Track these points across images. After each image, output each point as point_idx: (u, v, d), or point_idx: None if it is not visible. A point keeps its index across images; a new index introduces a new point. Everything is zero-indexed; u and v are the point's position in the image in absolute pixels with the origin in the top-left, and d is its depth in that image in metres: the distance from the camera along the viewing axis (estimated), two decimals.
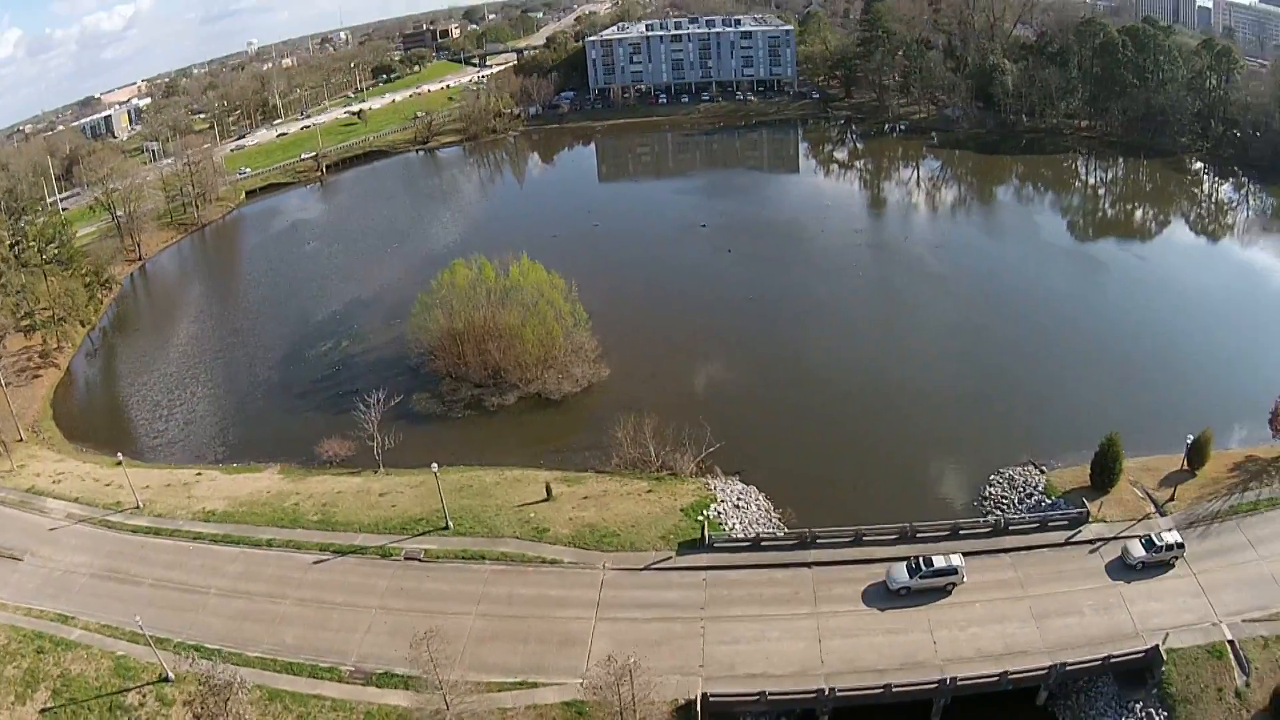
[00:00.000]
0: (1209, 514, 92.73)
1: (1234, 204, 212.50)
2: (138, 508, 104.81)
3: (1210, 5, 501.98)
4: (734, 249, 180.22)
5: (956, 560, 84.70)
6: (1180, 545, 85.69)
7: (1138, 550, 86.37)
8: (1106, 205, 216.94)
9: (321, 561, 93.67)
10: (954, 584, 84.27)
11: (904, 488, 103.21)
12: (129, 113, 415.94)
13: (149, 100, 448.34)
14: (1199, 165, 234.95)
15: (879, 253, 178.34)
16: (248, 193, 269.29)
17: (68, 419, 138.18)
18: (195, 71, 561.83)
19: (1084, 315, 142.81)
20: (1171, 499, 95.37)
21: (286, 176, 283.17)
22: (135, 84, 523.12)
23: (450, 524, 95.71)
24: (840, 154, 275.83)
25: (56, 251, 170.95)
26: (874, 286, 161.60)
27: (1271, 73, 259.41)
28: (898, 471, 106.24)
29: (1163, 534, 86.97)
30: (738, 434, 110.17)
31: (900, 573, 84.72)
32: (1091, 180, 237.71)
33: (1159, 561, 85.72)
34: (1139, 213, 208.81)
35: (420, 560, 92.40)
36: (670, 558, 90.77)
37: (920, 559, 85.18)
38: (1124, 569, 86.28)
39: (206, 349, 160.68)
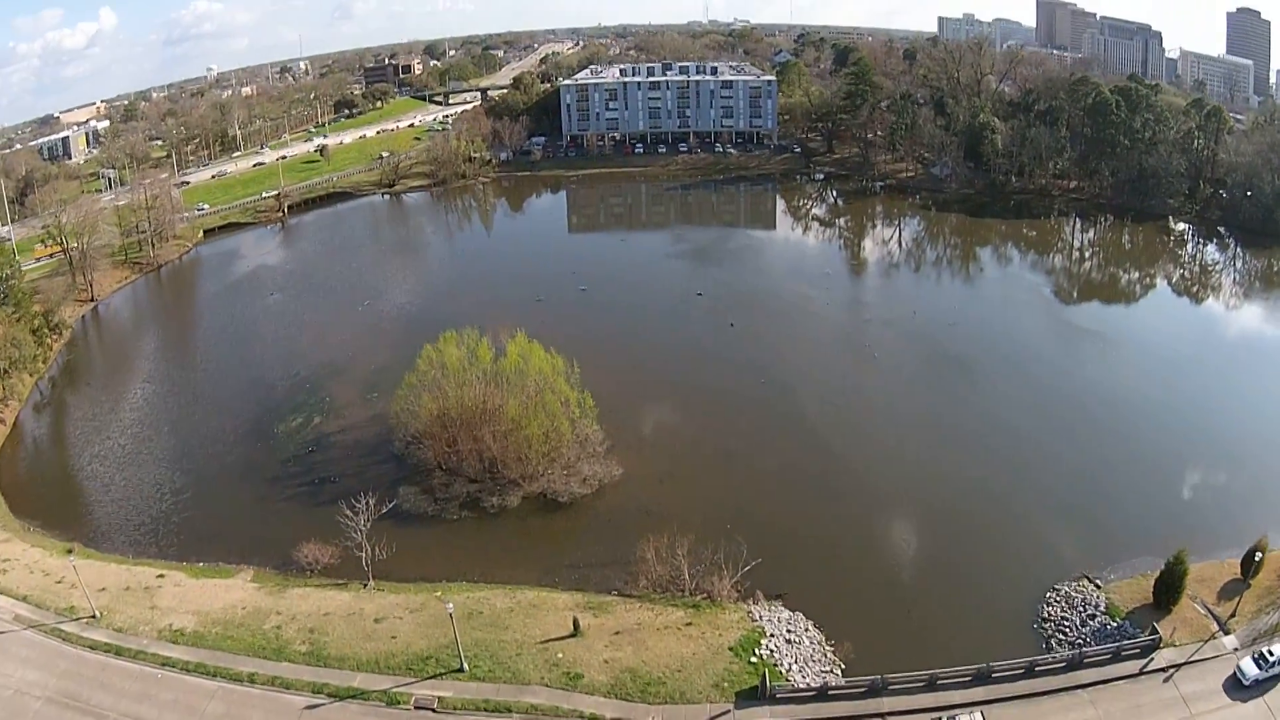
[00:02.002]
0: (1271, 628, 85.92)
1: (1249, 274, 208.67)
2: (95, 617, 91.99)
3: (1176, 58, 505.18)
4: (736, 322, 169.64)
5: None
6: None
7: (1251, 669, 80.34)
8: (1114, 275, 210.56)
9: (316, 706, 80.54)
10: None
11: (958, 609, 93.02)
12: (87, 135, 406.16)
13: (107, 123, 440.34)
14: (1190, 229, 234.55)
15: (890, 330, 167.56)
16: (206, 231, 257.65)
17: (14, 488, 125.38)
18: (155, 95, 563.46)
19: (1110, 406, 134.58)
20: (1233, 615, 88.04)
21: (246, 216, 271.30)
22: (95, 104, 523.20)
23: (465, 665, 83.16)
24: (829, 215, 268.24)
25: (3, 294, 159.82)
26: (892, 372, 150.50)
27: (1253, 130, 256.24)
28: (948, 589, 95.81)
29: (1274, 648, 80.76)
30: (772, 546, 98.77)
31: None
32: (1091, 247, 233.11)
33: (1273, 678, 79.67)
34: (1150, 284, 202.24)
35: (434, 711, 79.69)
36: (729, 712, 79.02)
37: None
38: (1237, 688, 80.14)
39: (163, 416, 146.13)
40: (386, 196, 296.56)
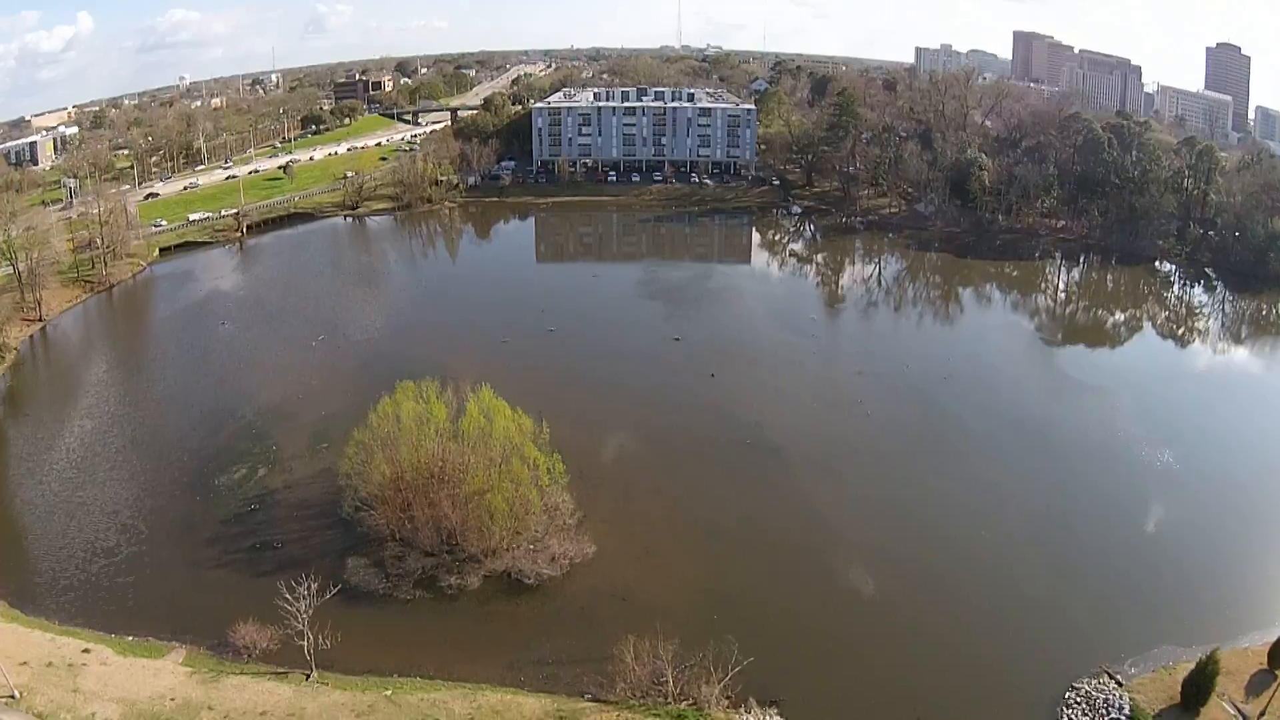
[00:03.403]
0: None
1: (1257, 321, 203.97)
2: (14, 697, 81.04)
3: (1155, 93, 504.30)
4: (717, 373, 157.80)
5: None
6: None
7: None
8: (1113, 324, 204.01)
9: None
10: None
11: (973, 714, 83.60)
12: (55, 140, 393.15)
13: (76, 129, 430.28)
14: (1179, 271, 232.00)
15: (882, 385, 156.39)
16: (162, 250, 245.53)
17: None
18: (126, 102, 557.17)
19: (1116, 473, 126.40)
20: (1263, 714, 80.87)
21: (204, 235, 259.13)
22: (66, 109, 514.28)
23: None
24: (811, 254, 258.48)
25: None
26: (887, 432, 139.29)
27: (1241, 169, 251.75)
28: (961, 690, 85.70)
29: None
30: (765, 641, 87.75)
31: None
32: (1085, 292, 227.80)
33: None
34: (1149, 334, 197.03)
35: None
36: None
37: None
38: None
39: (100, 459, 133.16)
40: (349, 219, 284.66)
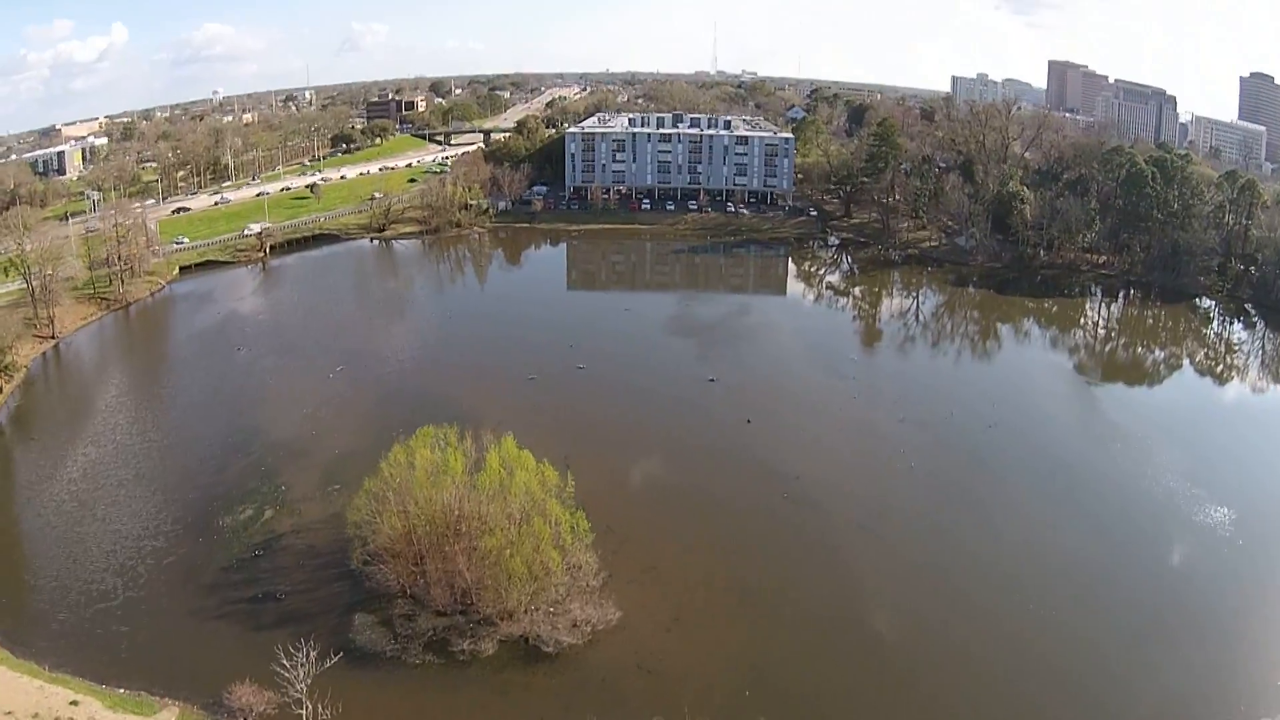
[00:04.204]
0: None
1: None
2: None
3: (1189, 123, 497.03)
4: (754, 419, 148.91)
5: None
6: None
7: None
8: (1160, 365, 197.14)
9: None
10: None
11: None
12: (83, 151, 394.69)
13: (106, 140, 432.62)
14: (1218, 309, 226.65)
15: (925, 434, 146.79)
16: (182, 268, 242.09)
17: None
18: (158, 115, 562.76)
19: (1171, 538, 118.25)
20: None
21: (226, 254, 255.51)
22: (97, 120, 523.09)
23: None
24: (849, 288, 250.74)
25: None
26: (932, 488, 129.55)
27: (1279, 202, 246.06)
28: None
29: None
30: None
31: None
32: (1130, 331, 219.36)
33: None
34: (1204, 380, 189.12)
35: None
36: None
37: None
38: None
39: (102, 494, 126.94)
40: (375, 242, 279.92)
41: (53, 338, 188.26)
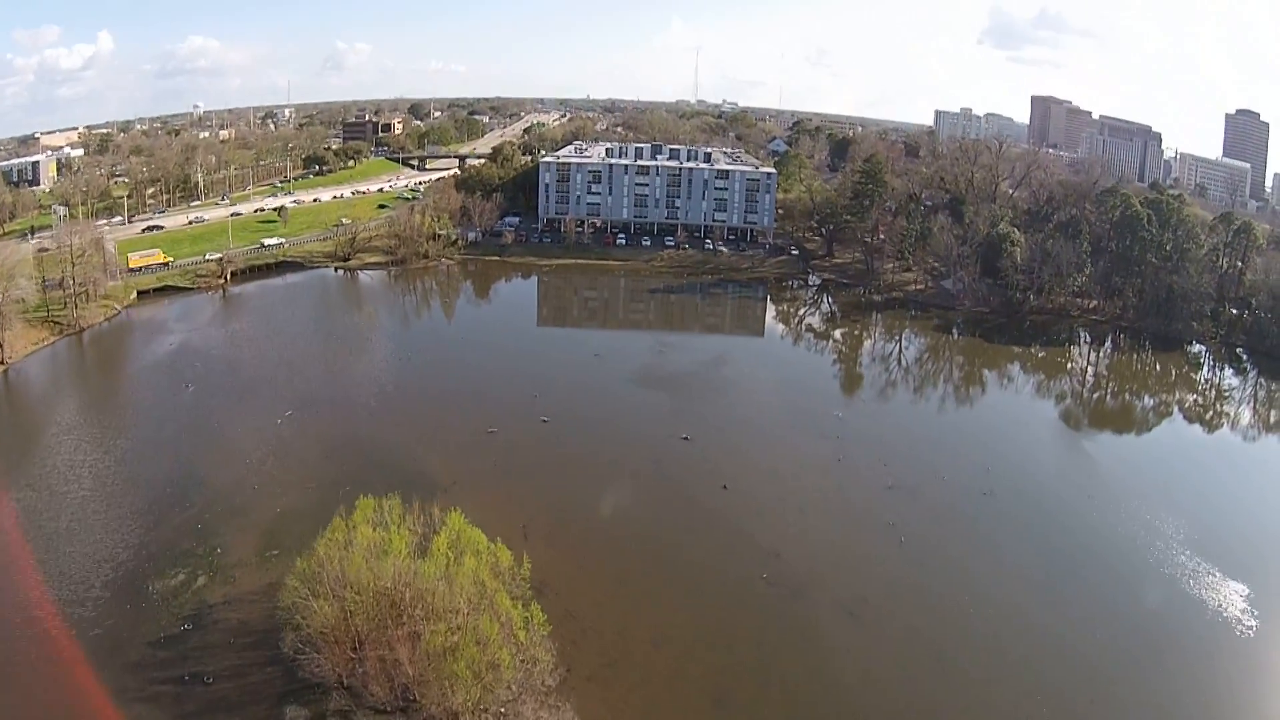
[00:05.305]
0: None
1: None
2: None
3: (1173, 159, 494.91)
4: (730, 485, 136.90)
5: None
6: None
7: None
8: (1160, 420, 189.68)
9: None
10: None
11: None
12: (58, 161, 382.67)
13: (82, 151, 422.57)
14: (1209, 353, 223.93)
15: (916, 504, 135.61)
16: (140, 293, 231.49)
17: None
18: (137, 127, 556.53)
19: (1185, 619, 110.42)
20: None
21: (185, 280, 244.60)
22: (76, 129, 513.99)
23: None
24: (832, 334, 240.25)
25: None
26: (925, 566, 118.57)
27: (1270, 243, 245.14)
28: None
29: None
30: None
31: None
32: (1127, 382, 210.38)
33: None
34: (1206, 436, 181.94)
35: None
36: None
37: None
38: None
39: (24, 552, 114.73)
40: (340, 272, 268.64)
41: (2, 363, 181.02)
